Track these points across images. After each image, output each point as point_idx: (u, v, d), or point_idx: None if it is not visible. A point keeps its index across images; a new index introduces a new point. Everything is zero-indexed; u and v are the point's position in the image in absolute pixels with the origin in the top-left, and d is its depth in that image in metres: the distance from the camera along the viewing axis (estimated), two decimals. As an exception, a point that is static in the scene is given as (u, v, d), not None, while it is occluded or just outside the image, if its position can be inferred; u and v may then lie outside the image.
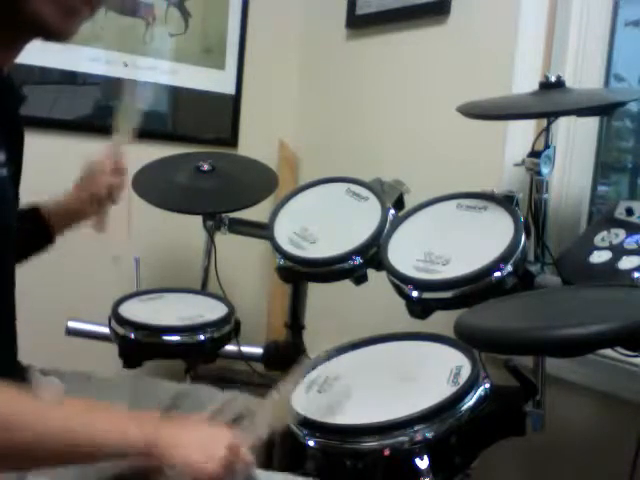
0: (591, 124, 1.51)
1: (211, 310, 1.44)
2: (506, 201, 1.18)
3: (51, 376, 0.96)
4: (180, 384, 1.12)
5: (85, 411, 0.74)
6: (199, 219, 1.65)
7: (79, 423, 0.71)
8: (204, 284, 1.71)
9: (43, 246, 1.11)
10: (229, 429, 0.80)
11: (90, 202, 1.09)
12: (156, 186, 1.60)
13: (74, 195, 1.11)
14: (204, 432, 0.78)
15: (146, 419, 0.77)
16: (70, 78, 1.82)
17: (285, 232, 1.32)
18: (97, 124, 1.86)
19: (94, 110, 1.85)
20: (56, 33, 0.80)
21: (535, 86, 1.25)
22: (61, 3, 0.77)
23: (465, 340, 0.95)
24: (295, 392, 1.09)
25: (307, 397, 1.08)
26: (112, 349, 1.38)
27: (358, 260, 1.23)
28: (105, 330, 1.42)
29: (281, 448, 1.16)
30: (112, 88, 1.88)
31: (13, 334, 0.90)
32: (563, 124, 1.48)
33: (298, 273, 1.30)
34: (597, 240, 1.14)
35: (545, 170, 1.21)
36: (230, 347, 1.48)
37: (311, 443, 0.99)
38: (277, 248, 1.30)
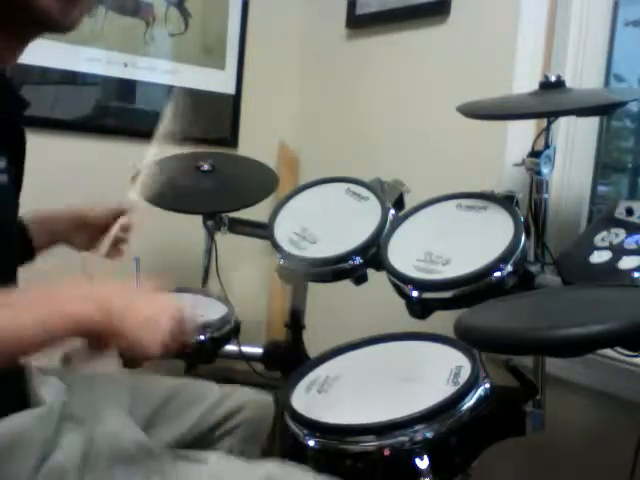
0: (591, 124, 1.51)
1: (211, 310, 1.44)
2: (506, 201, 1.18)
3: (51, 376, 0.96)
4: (177, 378, 1.13)
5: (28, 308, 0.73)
6: (199, 219, 1.65)
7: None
8: (204, 284, 1.71)
9: (24, 261, 1.08)
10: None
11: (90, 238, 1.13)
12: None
13: (69, 218, 1.12)
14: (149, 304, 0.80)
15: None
16: (70, 78, 1.82)
17: (285, 232, 1.32)
18: (97, 124, 1.87)
19: (94, 110, 1.85)
20: (58, 23, 0.79)
21: (535, 86, 1.25)
22: None
23: (465, 340, 0.95)
24: (295, 393, 1.10)
25: (307, 397, 1.08)
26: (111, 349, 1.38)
27: (358, 260, 1.23)
28: (105, 330, 1.42)
29: (281, 448, 1.16)
30: (112, 88, 1.89)
31: None
32: (563, 124, 1.48)
33: (298, 273, 1.29)
34: (597, 240, 1.14)
35: (545, 170, 1.21)
36: (230, 347, 1.48)
37: (311, 443, 0.99)
38: (277, 248, 1.30)
